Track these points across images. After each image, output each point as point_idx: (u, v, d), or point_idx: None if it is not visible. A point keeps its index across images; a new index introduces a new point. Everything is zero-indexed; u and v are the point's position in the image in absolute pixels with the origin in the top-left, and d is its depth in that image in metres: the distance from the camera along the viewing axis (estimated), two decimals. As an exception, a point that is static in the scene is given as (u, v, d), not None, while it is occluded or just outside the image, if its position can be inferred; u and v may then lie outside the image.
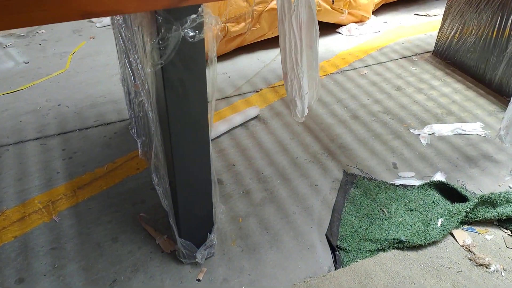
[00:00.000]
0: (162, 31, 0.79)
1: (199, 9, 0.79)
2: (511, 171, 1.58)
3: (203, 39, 0.84)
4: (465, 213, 1.31)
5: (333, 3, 2.36)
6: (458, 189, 1.42)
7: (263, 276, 1.20)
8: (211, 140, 1.71)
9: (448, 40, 2.21)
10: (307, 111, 1.23)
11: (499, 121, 1.83)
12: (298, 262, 1.25)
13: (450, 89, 2.04)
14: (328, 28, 2.58)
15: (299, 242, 1.30)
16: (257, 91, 2.03)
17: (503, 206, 1.33)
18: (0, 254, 1.23)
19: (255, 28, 2.22)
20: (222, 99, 1.97)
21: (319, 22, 2.47)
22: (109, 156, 1.59)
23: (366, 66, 2.23)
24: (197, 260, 1.18)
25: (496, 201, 1.32)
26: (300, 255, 1.27)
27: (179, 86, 0.88)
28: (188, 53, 0.84)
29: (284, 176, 1.55)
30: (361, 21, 2.60)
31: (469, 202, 1.33)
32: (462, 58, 2.16)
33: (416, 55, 2.33)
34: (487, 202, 1.34)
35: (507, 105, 1.89)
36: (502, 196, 1.32)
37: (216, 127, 1.72)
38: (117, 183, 1.48)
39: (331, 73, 2.17)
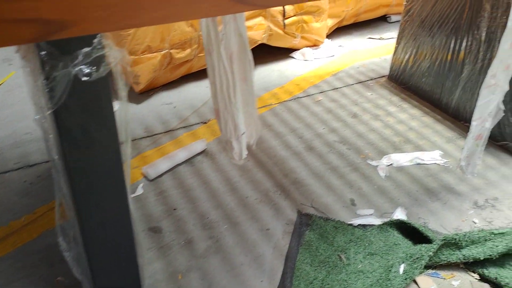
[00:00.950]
0: (47, 68, 0.62)
1: (94, 41, 0.63)
2: (473, 204, 1.48)
3: (106, 76, 0.68)
4: (428, 257, 1.18)
5: (284, 27, 2.26)
6: (420, 229, 1.30)
7: None
8: (151, 180, 1.53)
9: (402, 64, 2.15)
10: (246, 153, 1.09)
11: (458, 148, 1.75)
12: (245, 326, 1.08)
13: (407, 115, 1.96)
14: (282, 53, 2.47)
15: (247, 301, 1.14)
16: (205, 123, 1.87)
17: (468, 248, 1.21)
18: None
19: (202, 54, 2.08)
20: (165, 132, 1.80)
21: (271, 47, 2.37)
22: (28, 206, 1.37)
23: (321, 92, 2.13)
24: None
25: (461, 242, 1.21)
26: (247, 317, 1.10)
27: (79, 134, 0.71)
28: (86, 95, 0.68)
29: (232, 219, 1.39)
30: (315, 45, 2.52)
31: (433, 245, 1.21)
32: (417, 83, 2.09)
33: (371, 79, 2.26)
34: (452, 243, 1.22)
35: (465, 131, 1.82)
36: (467, 236, 1.21)
37: (157, 166, 1.54)
38: (35, 238, 1.26)
39: (284, 101, 2.05)
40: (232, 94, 0.90)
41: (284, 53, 2.49)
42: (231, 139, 1.01)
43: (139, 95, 2.03)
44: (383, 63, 2.43)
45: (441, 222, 1.40)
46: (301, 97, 2.09)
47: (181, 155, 1.61)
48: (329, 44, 2.59)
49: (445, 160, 1.68)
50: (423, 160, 1.68)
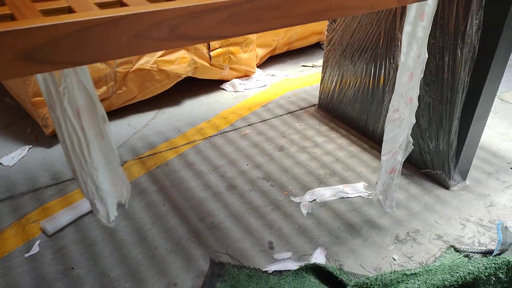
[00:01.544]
0: None
1: None
2: (395, 238, 1.43)
3: None
4: (339, 307, 1.11)
5: (210, 60, 2.20)
6: (334, 273, 1.23)
7: None
8: (49, 236, 1.39)
9: (330, 93, 2.13)
10: (116, 214, 0.99)
11: (384, 178, 1.71)
12: None
13: (335, 146, 1.92)
14: (212, 85, 2.41)
15: None
16: (121, 165, 1.76)
17: (384, 291, 1.15)
18: None
19: (121, 91, 1.98)
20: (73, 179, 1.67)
21: (198, 79, 2.30)
22: None
23: (249, 125, 2.07)
24: None
25: (373, 286, 1.14)
26: None
27: None
28: None
29: (136, 276, 1.27)
30: (246, 75, 2.47)
31: (343, 293, 1.14)
32: (345, 111, 2.07)
33: (301, 109, 2.22)
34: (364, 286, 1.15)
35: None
36: (379, 280, 1.15)
37: (57, 219, 1.41)
38: None
39: (209, 136, 1.97)
40: (86, 152, 0.81)
41: (215, 85, 2.42)
42: (94, 200, 0.91)
43: (51, 138, 1.90)
44: (314, 91, 2.41)
45: (361, 261, 1.34)
46: (227, 131, 2.01)
47: (87, 204, 1.48)
48: (260, 74, 2.55)
49: (369, 192, 1.64)
50: (347, 193, 1.63)
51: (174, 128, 2.02)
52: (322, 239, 1.43)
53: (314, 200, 1.60)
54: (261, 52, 2.55)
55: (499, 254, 1.30)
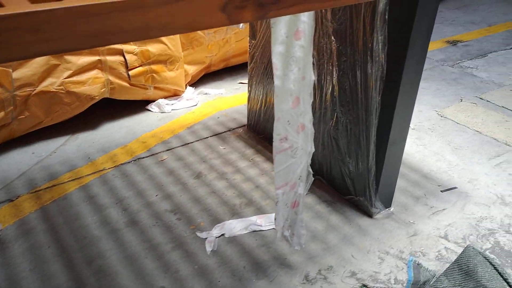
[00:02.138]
0: None
1: None
2: (304, 278, 1.29)
3: None
4: None
5: (130, 79, 2.05)
6: (222, 327, 1.07)
7: None
8: None
9: (257, 113, 1.99)
10: None
11: (305, 207, 1.57)
12: None
13: (257, 171, 1.78)
14: (137, 106, 2.25)
15: None
16: (12, 200, 1.58)
17: None
18: None
19: (23, 116, 1.80)
20: (-45, 218, 1.48)
21: (122, 100, 2.13)
22: None
23: (168, 150, 1.91)
24: None
25: None
26: None
27: None
28: None
29: (-6, 338, 1.09)
30: (175, 95, 2.32)
31: None
32: (271, 132, 1.93)
33: (229, 130, 2.08)
34: None
35: (314, 183, 1.66)
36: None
37: None
38: None
39: (121, 164, 1.80)
40: None
41: (141, 105, 2.26)
42: None
43: None
44: (246, 110, 2.28)
45: (261, 308, 1.19)
46: (143, 158, 1.85)
47: (-44, 250, 1.30)
48: (192, 93, 2.40)
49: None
50: (260, 226, 1.48)
51: (83, 155, 1.85)
52: (222, 281, 1.27)
53: (222, 235, 1.45)
54: (193, 70, 2.40)
55: (410, 296, 1.17)
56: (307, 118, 1.07)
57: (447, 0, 4.40)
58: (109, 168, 1.77)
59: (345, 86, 1.45)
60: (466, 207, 1.60)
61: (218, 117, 2.20)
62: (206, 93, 2.45)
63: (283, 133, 1.04)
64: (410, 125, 2.13)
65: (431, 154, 1.91)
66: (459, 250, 1.38)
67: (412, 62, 1.26)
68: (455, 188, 1.70)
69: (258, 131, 2.02)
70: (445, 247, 1.41)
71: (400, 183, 1.71)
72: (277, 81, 0.95)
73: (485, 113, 2.23)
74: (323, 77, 1.53)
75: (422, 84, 2.56)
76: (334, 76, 1.47)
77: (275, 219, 1.20)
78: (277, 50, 0.91)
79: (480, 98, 2.39)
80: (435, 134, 2.06)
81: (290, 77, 0.96)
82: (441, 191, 1.68)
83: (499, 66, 2.84)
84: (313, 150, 1.14)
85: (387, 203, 1.57)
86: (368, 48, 1.31)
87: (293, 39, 0.91)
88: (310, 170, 1.16)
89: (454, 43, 3.24)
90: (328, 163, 1.65)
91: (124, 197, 1.61)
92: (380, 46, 1.27)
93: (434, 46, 3.18)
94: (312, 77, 1.00)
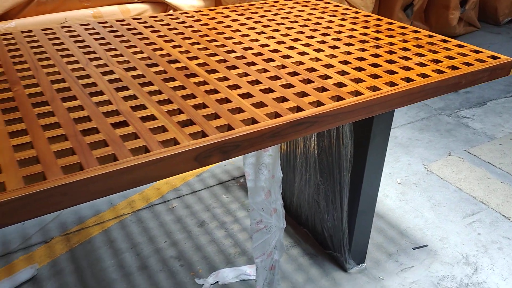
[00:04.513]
0: None
1: None
2: (279, 326, 1.55)
3: None
4: None
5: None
6: None
7: None
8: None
9: (258, 166, 2.26)
10: None
11: (290, 260, 1.83)
12: None
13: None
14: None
15: None
16: (47, 242, 1.91)
17: None
18: None
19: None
20: (1, 256, 1.82)
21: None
22: None
23: (178, 198, 2.21)
24: None
25: None
26: None
27: None
28: None
29: None
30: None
31: None
32: (269, 184, 2.20)
33: (233, 179, 2.36)
34: None
35: (302, 237, 1.92)
36: None
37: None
38: None
39: (138, 210, 2.11)
40: None
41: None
42: None
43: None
44: (252, 158, 2.55)
45: None
46: (156, 204, 2.16)
47: (5, 286, 1.62)
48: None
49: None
50: (249, 275, 1.75)
51: (107, 200, 2.17)
52: (212, 325, 1.55)
53: (216, 282, 1.72)
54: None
55: None
56: (278, 203, 1.33)
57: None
58: (127, 214, 2.08)
59: (323, 161, 1.70)
60: (432, 265, 1.81)
61: (224, 165, 2.48)
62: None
63: (258, 218, 1.31)
64: (397, 179, 2.36)
65: (411, 210, 2.12)
66: (418, 307, 1.61)
67: (374, 151, 1.51)
68: (426, 246, 1.91)
69: (258, 182, 2.29)
70: (406, 304, 1.63)
71: (377, 238, 1.95)
72: (250, 184, 1.22)
73: (469, 169, 2.42)
74: (308, 151, 1.79)
75: (416, 135, 2.77)
76: (315, 152, 1.73)
77: (255, 280, 1.47)
78: (248, 161, 1.19)
79: (468, 153, 2.58)
80: (419, 190, 2.27)
81: (261, 178, 1.23)
82: (412, 248, 1.90)
83: (495, 116, 3.01)
84: (285, 225, 1.41)
85: (361, 260, 1.80)
86: (340, 134, 1.56)
87: (262, 152, 1.19)
88: (283, 242, 1.42)
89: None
90: (313, 219, 1.90)
91: (138, 242, 1.91)
92: (348, 135, 1.52)
93: (436, 91, 3.36)
94: (280, 174, 1.27)
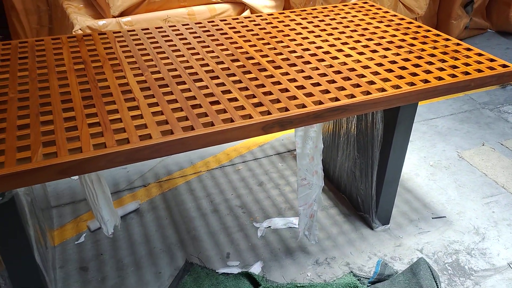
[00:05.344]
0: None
1: None
2: (315, 261, 2.04)
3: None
4: (249, 300, 1.76)
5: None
6: (257, 279, 1.87)
7: None
8: (92, 231, 2.18)
9: (310, 142, 2.73)
10: (112, 231, 1.73)
11: (328, 216, 2.30)
12: (120, 338, 1.69)
13: (302, 185, 2.54)
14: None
15: (128, 321, 1.75)
16: (145, 186, 2.53)
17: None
18: None
19: (154, 130, 2.74)
20: (114, 193, 2.46)
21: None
22: None
23: (243, 162, 2.74)
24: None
25: (275, 291, 1.78)
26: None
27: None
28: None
29: (139, 264, 2.01)
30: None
31: (254, 292, 1.79)
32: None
33: (288, 151, 2.85)
34: (269, 291, 1.79)
35: (341, 201, 2.38)
36: (279, 285, 1.78)
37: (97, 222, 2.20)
38: None
39: (212, 169, 2.68)
40: (96, 201, 1.54)
41: (229, 124, 3.12)
42: (101, 223, 1.65)
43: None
44: (306, 135, 3.02)
45: (284, 274, 1.97)
46: (226, 166, 2.71)
47: (118, 212, 2.26)
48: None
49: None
50: (294, 224, 2.25)
51: (188, 160, 2.75)
52: (264, 255, 2.07)
53: (269, 227, 2.24)
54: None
55: (374, 283, 1.87)
56: (319, 167, 1.81)
57: (521, 34, 4.62)
58: (204, 171, 2.66)
59: (360, 141, 2.13)
60: (446, 232, 2.20)
61: (282, 140, 2.98)
62: (277, 118, 3.24)
63: (303, 176, 1.80)
64: (430, 162, 2.72)
65: (437, 188, 2.50)
66: (428, 260, 2.02)
67: (399, 134, 1.92)
68: (444, 217, 2.30)
69: (309, 155, 2.76)
70: (417, 257, 2.05)
71: (403, 208, 2.36)
72: (298, 150, 1.71)
73: (498, 158, 2.72)
74: (349, 132, 2.23)
75: (456, 126, 3.08)
76: (354, 133, 2.17)
77: (298, 224, 1.97)
78: (298, 134, 1.67)
79: (501, 144, 2.86)
80: (448, 172, 2.63)
81: (307, 147, 1.71)
82: (432, 218, 2.30)
83: (538, 113, 3.22)
84: (323, 184, 1.88)
85: (386, 221, 2.23)
86: (374, 120, 1.99)
87: (308, 128, 1.66)
88: (321, 197, 1.90)
89: (504, 85, 3.62)
90: (349, 186, 2.35)
91: (211, 193, 2.48)
92: (379, 121, 1.94)
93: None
94: (321, 145, 1.74)
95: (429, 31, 2.13)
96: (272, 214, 2.33)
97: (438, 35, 2.09)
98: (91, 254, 2.06)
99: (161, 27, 2.17)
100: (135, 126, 1.36)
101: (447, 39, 2.04)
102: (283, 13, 2.40)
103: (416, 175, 2.62)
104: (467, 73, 1.73)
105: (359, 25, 2.20)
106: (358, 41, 2.00)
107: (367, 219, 2.24)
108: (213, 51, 1.90)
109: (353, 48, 1.93)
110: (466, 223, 2.26)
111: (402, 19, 2.29)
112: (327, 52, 1.89)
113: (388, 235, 2.19)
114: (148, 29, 2.14)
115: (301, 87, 1.62)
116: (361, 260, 2.04)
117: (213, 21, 2.26)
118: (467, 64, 1.80)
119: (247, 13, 2.83)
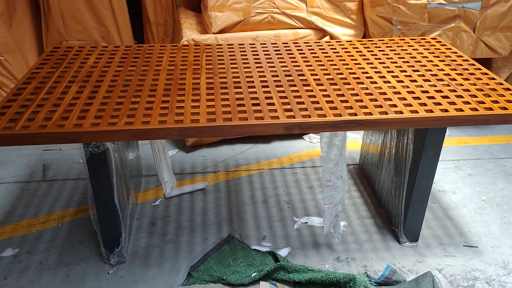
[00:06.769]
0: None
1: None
2: (336, 258, 2.30)
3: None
4: (266, 272, 2.12)
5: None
6: (279, 258, 2.22)
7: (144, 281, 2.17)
8: (166, 198, 2.75)
9: (365, 156, 2.97)
10: (169, 191, 2.23)
11: (362, 224, 2.53)
12: (164, 277, 2.18)
13: (346, 195, 2.79)
14: (298, 134, 3.49)
15: (174, 268, 2.24)
16: (215, 172, 3.03)
17: (293, 273, 2.10)
18: None
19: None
20: (190, 173, 3.02)
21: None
22: (103, 197, 2.74)
23: (302, 168, 3.09)
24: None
25: (289, 269, 2.11)
26: (167, 274, 2.20)
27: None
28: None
29: (193, 229, 2.51)
30: (324, 132, 3.46)
31: (270, 266, 2.13)
32: (368, 171, 2.89)
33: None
34: (285, 269, 2.12)
35: (378, 214, 2.61)
36: (293, 267, 2.10)
37: (172, 191, 2.75)
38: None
39: (273, 168, 3.08)
40: (160, 166, 2.05)
41: (300, 135, 3.50)
42: (162, 183, 2.17)
43: (189, 148, 3.31)
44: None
45: (306, 262, 2.28)
46: (286, 168, 3.09)
47: (188, 188, 2.80)
48: (336, 133, 3.49)
49: (344, 229, 2.50)
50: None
51: (256, 158, 3.20)
52: (294, 244, 2.40)
53: (306, 222, 2.56)
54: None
55: (379, 284, 2.07)
56: (344, 172, 2.10)
57: None
58: (266, 169, 3.08)
59: (397, 160, 2.35)
60: (472, 260, 2.28)
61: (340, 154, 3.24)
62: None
63: (327, 177, 2.11)
64: (483, 197, 2.77)
65: (480, 221, 2.54)
66: (444, 280, 2.15)
67: (425, 157, 2.11)
68: (476, 247, 2.36)
69: (364, 170, 3.00)
70: (435, 275, 2.18)
71: (438, 231, 2.48)
72: (323, 155, 2.03)
73: (560, 205, 2.63)
74: (391, 152, 2.45)
75: (527, 167, 3.02)
76: (393, 153, 2.38)
77: (323, 221, 2.26)
78: (324, 140, 1.99)
79: None
80: (498, 209, 2.64)
81: (332, 153, 2.02)
82: (463, 245, 2.38)
83: None
84: (347, 189, 2.15)
85: (414, 239, 2.39)
86: (405, 142, 2.20)
87: (333, 137, 1.98)
88: (345, 201, 2.17)
89: None
90: (387, 201, 2.55)
91: (266, 187, 2.88)
92: (410, 144, 2.15)
93: None
94: (346, 153, 2.03)
95: (478, 69, 2.27)
96: (312, 213, 2.64)
97: (485, 73, 2.22)
98: (161, 215, 2.62)
99: (242, 44, 2.67)
100: (191, 113, 1.85)
101: (492, 78, 2.16)
102: (361, 41, 2.70)
103: (463, 206, 2.68)
104: (490, 109, 1.88)
105: (414, 57, 2.42)
106: (404, 71, 2.24)
107: (396, 233, 2.42)
108: (274, 67, 2.32)
109: (395, 76, 2.18)
110: (497, 256, 2.29)
111: (460, 56, 2.44)
112: (369, 77, 2.18)
113: (413, 251, 2.34)
114: (231, 44, 2.66)
115: (330, 102, 1.95)
116: (378, 266, 2.25)
117: (297, 43, 2.67)
118: (495, 102, 1.93)
119: (326, 39, 3.20)
